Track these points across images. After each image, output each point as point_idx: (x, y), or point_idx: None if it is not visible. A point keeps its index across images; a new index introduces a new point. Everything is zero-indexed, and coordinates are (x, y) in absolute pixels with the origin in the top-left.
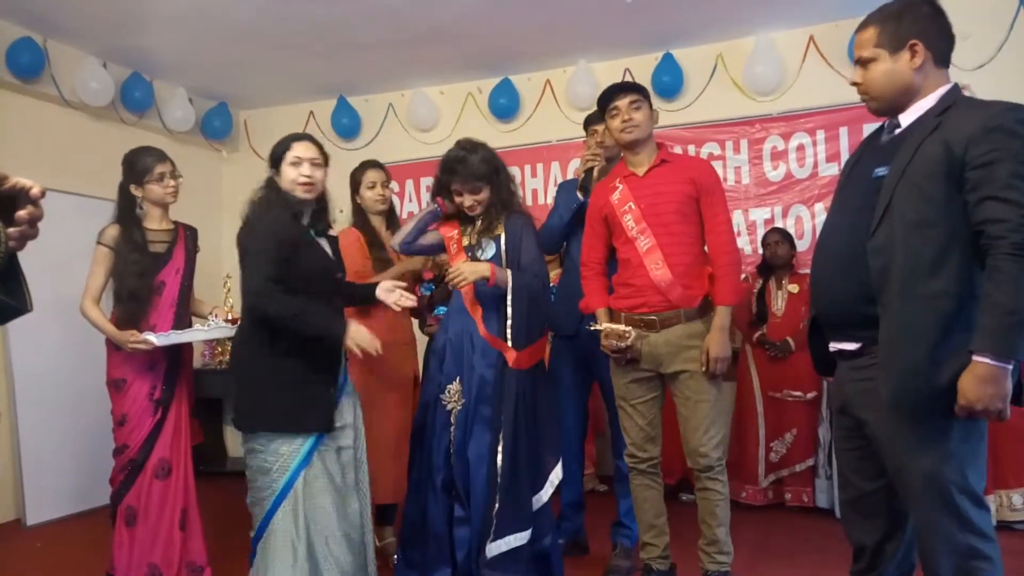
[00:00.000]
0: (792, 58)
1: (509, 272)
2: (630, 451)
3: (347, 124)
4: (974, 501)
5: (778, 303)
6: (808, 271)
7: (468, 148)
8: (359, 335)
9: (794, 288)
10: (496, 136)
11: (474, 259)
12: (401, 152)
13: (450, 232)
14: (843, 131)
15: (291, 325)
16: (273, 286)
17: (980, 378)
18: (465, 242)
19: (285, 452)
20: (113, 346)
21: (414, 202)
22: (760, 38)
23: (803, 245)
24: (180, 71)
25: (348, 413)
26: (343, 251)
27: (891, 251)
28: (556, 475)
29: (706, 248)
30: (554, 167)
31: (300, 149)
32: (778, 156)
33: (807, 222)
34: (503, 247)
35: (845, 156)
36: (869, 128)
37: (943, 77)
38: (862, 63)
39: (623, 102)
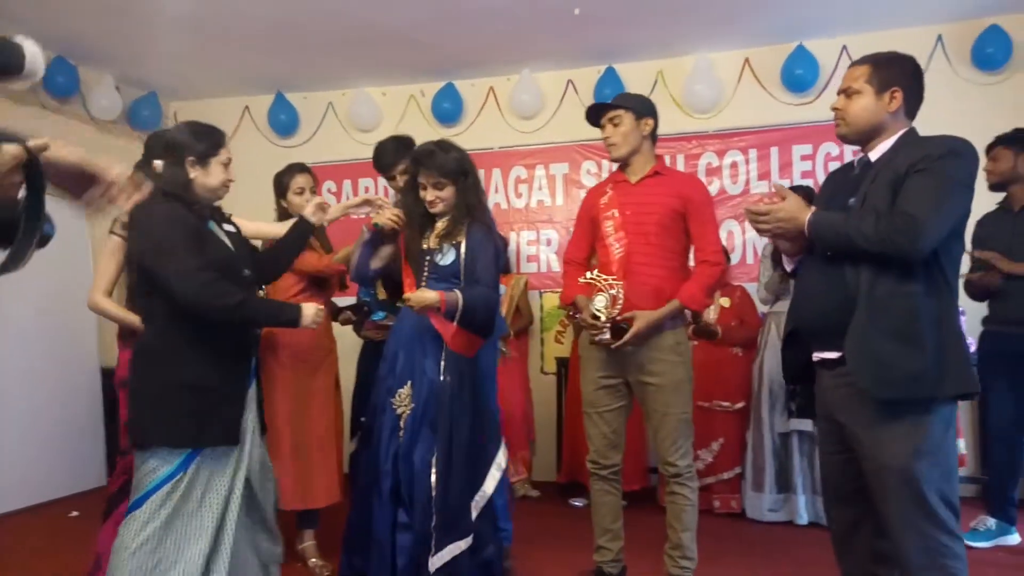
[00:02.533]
0: (728, 79)
1: (459, 295)
2: (592, 458)
3: (284, 121)
4: (943, 499)
5: (709, 315)
6: (739, 284)
7: (441, 146)
8: (311, 314)
9: (725, 301)
10: None
11: (432, 264)
12: (340, 152)
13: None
14: (774, 151)
15: (238, 314)
16: (208, 275)
17: (791, 209)
18: (424, 245)
19: (161, 463)
20: (124, 343)
21: None
22: (699, 58)
23: (734, 259)
24: (107, 57)
25: (249, 426)
26: None
27: (859, 262)
28: (501, 458)
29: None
30: (495, 174)
31: (228, 151)
32: (712, 172)
33: (738, 237)
34: (462, 255)
35: (775, 175)
36: (798, 150)
37: (907, 124)
38: (848, 93)
39: (604, 118)
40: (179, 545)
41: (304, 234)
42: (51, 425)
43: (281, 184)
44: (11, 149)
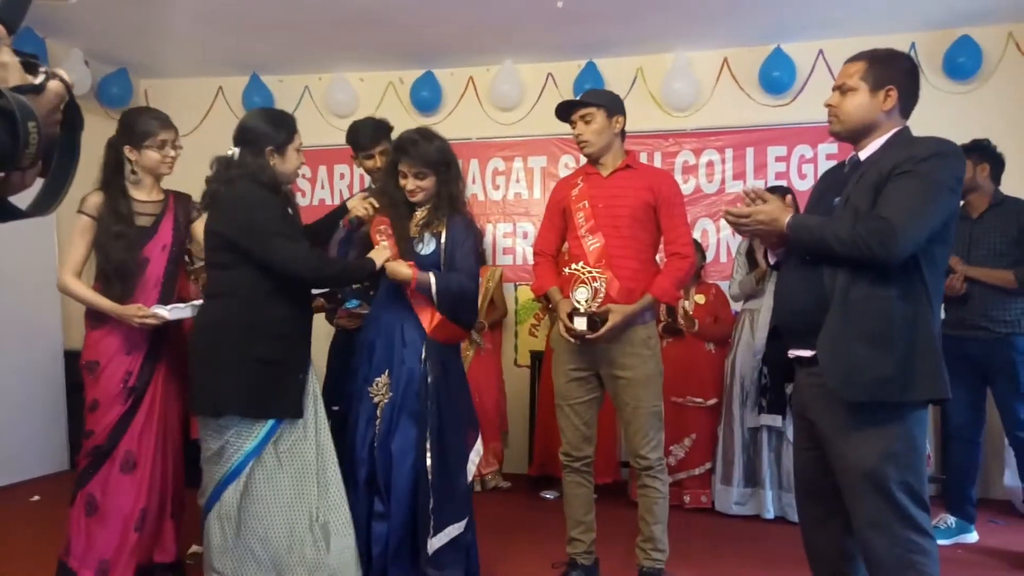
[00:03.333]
0: (707, 78)
1: (432, 275)
2: (565, 450)
3: (259, 104)
4: (914, 499)
5: (684, 307)
6: (714, 282)
7: (424, 135)
8: (379, 255)
9: (700, 299)
10: None
11: (413, 252)
12: (316, 137)
13: (379, 225)
14: (750, 151)
15: (344, 277)
16: (318, 251)
17: (772, 212)
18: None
19: (245, 435)
20: (92, 324)
21: (327, 189)
22: (678, 56)
23: (708, 257)
24: (77, 30)
25: (310, 399)
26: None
27: (837, 263)
28: (477, 451)
29: (660, 257)
30: (473, 164)
31: (299, 135)
32: (689, 170)
33: (712, 235)
34: (442, 246)
35: (751, 175)
36: (773, 151)
37: (901, 123)
38: (842, 90)
39: (575, 116)
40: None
41: (338, 215)
42: (12, 407)
43: None
44: (54, 87)
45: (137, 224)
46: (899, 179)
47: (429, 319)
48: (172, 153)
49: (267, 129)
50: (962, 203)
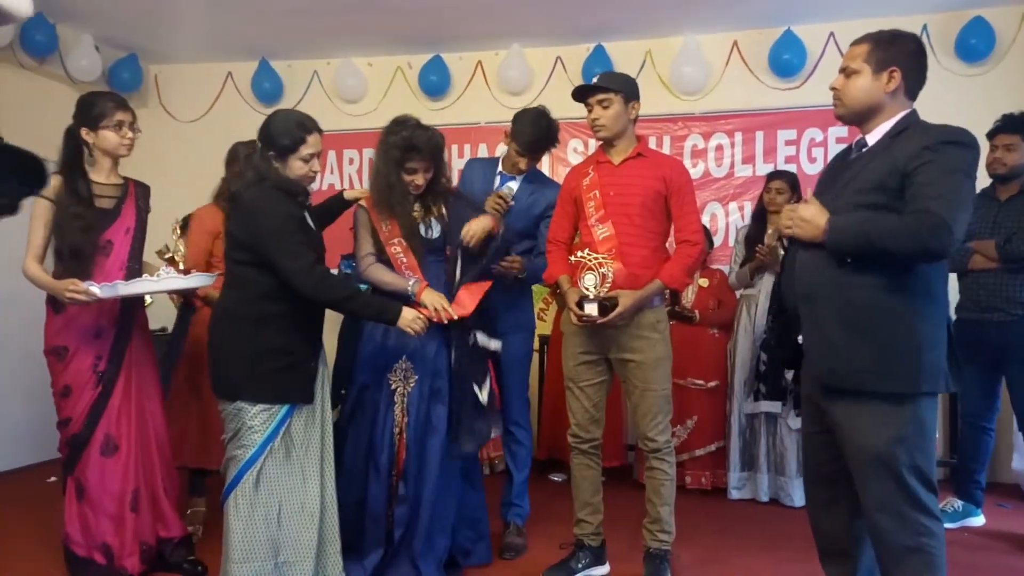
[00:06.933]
0: (716, 61)
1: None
2: (574, 431)
3: (268, 89)
4: (923, 482)
5: (688, 295)
6: (719, 267)
7: (424, 127)
8: (410, 319)
9: (704, 282)
10: (425, 114)
11: (423, 236)
12: (324, 122)
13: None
14: (759, 135)
15: (346, 306)
16: (322, 271)
17: (813, 211)
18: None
19: (262, 420)
20: (53, 309)
21: (336, 174)
22: (687, 39)
23: (716, 241)
24: (87, 16)
25: (319, 385)
26: (195, 228)
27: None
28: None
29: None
30: (481, 149)
31: (314, 143)
32: (698, 154)
33: (721, 220)
34: (445, 227)
35: (760, 159)
36: (783, 134)
37: (907, 105)
38: (846, 72)
39: (592, 99)
40: (286, 492)
41: (334, 204)
42: (27, 388)
43: (236, 156)
44: None
45: (98, 206)
46: (926, 170)
47: (481, 289)
48: (130, 134)
49: (272, 134)
50: (994, 185)
